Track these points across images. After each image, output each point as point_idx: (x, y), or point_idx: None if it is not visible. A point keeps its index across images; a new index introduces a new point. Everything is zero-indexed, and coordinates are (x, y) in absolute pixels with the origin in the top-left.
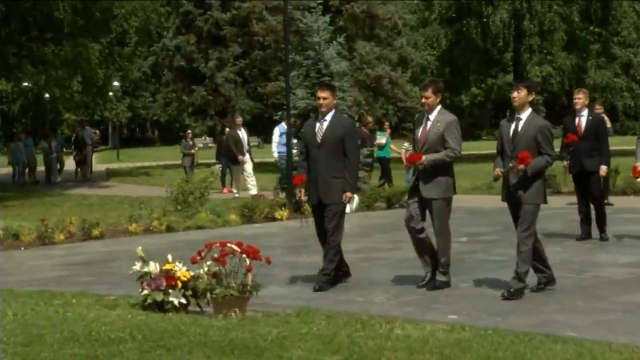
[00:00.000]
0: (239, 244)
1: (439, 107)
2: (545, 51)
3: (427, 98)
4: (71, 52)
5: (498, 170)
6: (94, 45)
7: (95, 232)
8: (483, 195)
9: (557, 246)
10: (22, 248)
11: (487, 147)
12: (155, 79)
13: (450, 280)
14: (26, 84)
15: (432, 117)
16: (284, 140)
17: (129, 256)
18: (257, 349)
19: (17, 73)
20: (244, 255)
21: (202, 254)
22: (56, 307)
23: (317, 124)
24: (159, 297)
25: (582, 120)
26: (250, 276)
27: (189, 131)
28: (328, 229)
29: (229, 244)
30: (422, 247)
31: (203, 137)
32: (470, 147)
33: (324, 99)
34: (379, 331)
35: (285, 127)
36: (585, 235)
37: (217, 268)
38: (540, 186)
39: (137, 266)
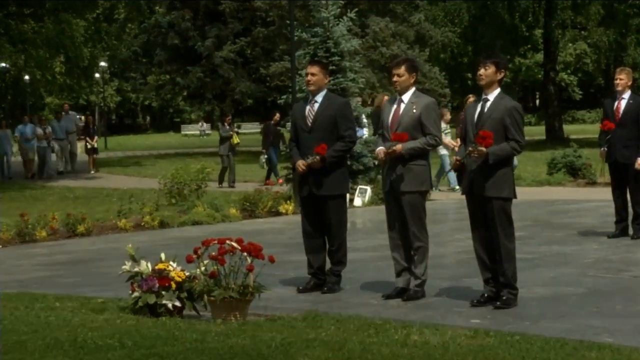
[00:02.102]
0: (239, 241)
1: (413, 89)
2: (579, 27)
3: (399, 76)
4: (53, 30)
5: (455, 159)
6: (79, 22)
7: (81, 228)
8: None
9: (593, 243)
10: (0, 246)
11: None
12: (147, 60)
13: (424, 293)
14: (4, 64)
15: (405, 99)
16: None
17: (118, 255)
18: (260, 357)
19: None
20: (245, 254)
21: (199, 252)
22: (38, 311)
23: (307, 106)
24: (151, 299)
25: (622, 104)
26: (251, 276)
27: (229, 116)
28: (331, 225)
29: (228, 241)
30: None
31: (199, 124)
32: None
33: (313, 75)
34: (394, 337)
35: None
36: (620, 232)
37: (215, 268)
38: (507, 176)
39: (127, 266)
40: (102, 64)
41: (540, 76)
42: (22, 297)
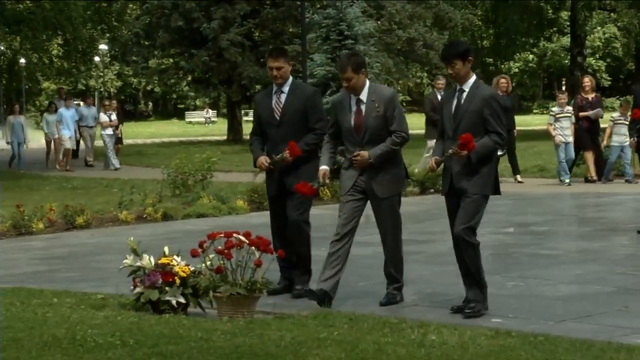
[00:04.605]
0: (247, 235)
1: (367, 84)
2: (608, 8)
3: (348, 80)
4: (50, 10)
5: (434, 160)
6: (77, 2)
7: (80, 220)
8: (533, 178)
9: (622, 238)
10: None
11: (539, 122)
12: (149, 42)
13: (403, 297)
14: None
15: (364, 97)
16: None
17: (119, 248)
18: (268, 357)
19: None
20: (253, 248)
21: (204, 246)
22: (35, 307)
23: (274, 98)
24: (154, 296)
25: None
26: (259, 272)
27: None
28: (293, 218)
29: (235, 235)
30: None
31: (205, 111)
32: (520, 123)
33: (278, 69)
34: (410, 337)
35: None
36: None
37: (222, 262)
38: (490, 173)
39: (129, 260)
40: (102, 46)
41: (566, 61)
42: (18, 292)
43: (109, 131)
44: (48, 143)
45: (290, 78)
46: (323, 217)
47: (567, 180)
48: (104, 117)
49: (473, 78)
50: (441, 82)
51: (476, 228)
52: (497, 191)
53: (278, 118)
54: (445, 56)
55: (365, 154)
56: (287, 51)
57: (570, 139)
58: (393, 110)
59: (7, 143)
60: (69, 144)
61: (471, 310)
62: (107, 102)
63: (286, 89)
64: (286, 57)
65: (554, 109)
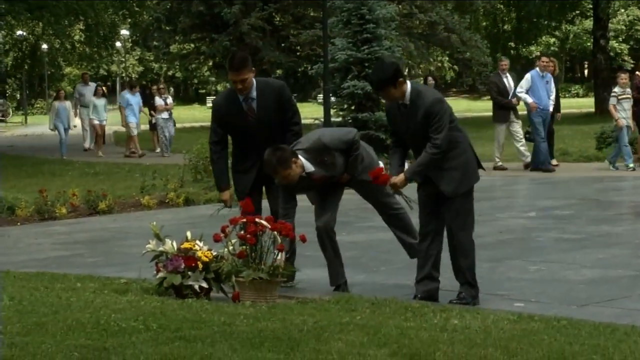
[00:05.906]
0: (269, 220)
1: (303, 161)
2: None
3: (285, 178)
4: None
5: (401, 178)
6: None
7: (102, 205)
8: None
9: None
10: (19, 223)
11: (561, 106)
12: (171, 27)
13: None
14: (21, 32)
15: (310, 169)
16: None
17: (142, 233)
18: (291, 341)
19: (10, 20)
20: (275, 233)
21: (227, 230)
22: (58, 291)
23: (244, 105)
24: (177, 280)
25: None
26: (282, 257)
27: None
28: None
29: (257, 220)
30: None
31: None
32: None
33: (242, 81)
34: (432, 321)
35: (541, 73)
36: None
37: (244, 247)
38: (466, 164)
39: (151, 245)
40: (124, 32)
41: (589, 44)
42: (41, 277)
43: (165, 115)
44: (95, 127)
45: (253, 81)
46: (349, 201)
47: (632, 165)
48: (159, 101)
49: (408, 89)
50: (504, 62)
51: (473, 223)
52: (479, 166)
53: (255, 124)
54: (375, 86)
55: (345, 178)
56: (248, 58)
57: (629, 122)
58: (336, 149)
59: (52, 129)
60: (136, 131)
61: (458, 298)
62: (162, 86)
63: (254, 94)
64: (248, 66)
65: (615, 89)
